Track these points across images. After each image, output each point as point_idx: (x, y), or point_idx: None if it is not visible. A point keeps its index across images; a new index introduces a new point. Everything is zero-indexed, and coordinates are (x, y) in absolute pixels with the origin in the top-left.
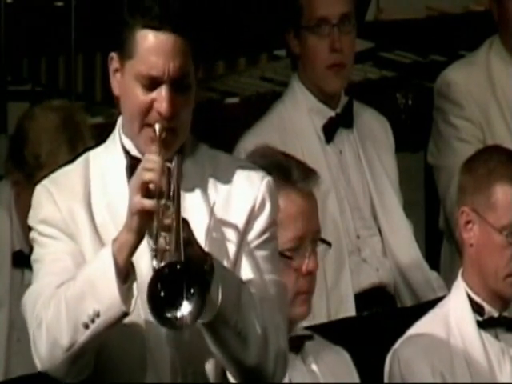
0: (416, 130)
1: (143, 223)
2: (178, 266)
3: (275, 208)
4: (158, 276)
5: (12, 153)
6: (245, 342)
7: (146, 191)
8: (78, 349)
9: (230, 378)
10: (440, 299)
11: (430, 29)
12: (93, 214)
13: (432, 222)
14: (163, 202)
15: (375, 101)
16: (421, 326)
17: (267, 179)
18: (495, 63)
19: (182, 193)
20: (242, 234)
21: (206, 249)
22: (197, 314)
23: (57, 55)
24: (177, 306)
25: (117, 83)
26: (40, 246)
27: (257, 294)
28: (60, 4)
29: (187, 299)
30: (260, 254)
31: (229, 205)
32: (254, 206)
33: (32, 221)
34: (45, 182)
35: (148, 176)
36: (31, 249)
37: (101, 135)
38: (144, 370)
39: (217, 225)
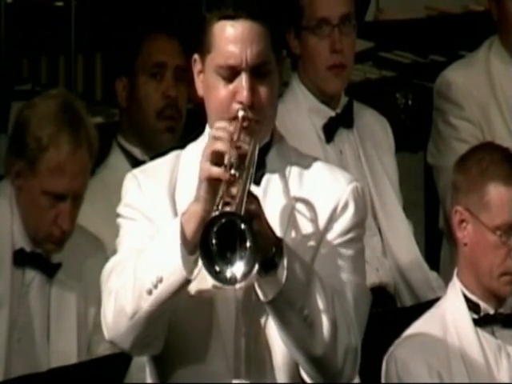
0: (416, 130)
1: (210, 191)
2: (236, 218)
3: (361, 211)
4: (212, 223)
5: (12, 142)
6: (311, 329)
7: (215, 159)
8: (141, 317)
9: (303, 374)
10: (439, 299)
11: (429, 29)
12: (175, 202)
13: (432, 222)
14: (233, 171)
15: (375, 101)
16: (418, 327)
17: (355, 184)
18: (495, 63)
19: (263, 182)
20: (323, 232)
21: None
22: (247, 271)
23: (57, 55)
24: (228, 259)
25: (200, 84)
26: (122, 227)
27: (331, 288)
28: (60, 4)
29: (239, 254)
30: (342, 252)
31: (311, 201)
32: (336, 207)
33: (119, 207)
34: (134, 170)
35: (217, 145)
36: (32, 247)
37: (101, 135)
38: (210, 334)
39: (296, 220)
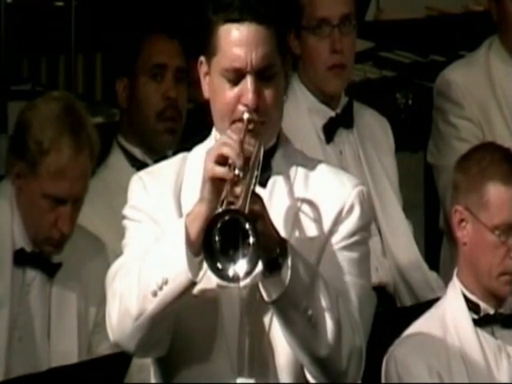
0: (416, 130)
1: (214, 191)
2: (239, 216)
3: (366, 215)
4: (216, 220)
5: (14, 143)
6: (315, 329)
7: (220, 160)
8: (146, 318)
9: (307, 374)
10: (439, 299)
11: (429, 29)
12: (181, 204)
13: (432, 222)
14: (236, 171)
15: (375, 101)
16: (418, 327)
17: (361, 188)
18: (495, 63)
19: (268, 184)
20: (328, 235)
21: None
22: (249, 269)
23: (57, 55)
24: (231, 257)
25: (207, 86)
26: (128, 229)
27: (335, 289)
28: (60, 4)
29: (242, 252)
30: (347, 255)
31: (317, 204)
32: (341, 210)
33: (124, 209)
34: (140, 172)
35: (224, 150)
36: (33, 247)
37: (101, 135)
38: (214, 334)
39: (301, 222)
